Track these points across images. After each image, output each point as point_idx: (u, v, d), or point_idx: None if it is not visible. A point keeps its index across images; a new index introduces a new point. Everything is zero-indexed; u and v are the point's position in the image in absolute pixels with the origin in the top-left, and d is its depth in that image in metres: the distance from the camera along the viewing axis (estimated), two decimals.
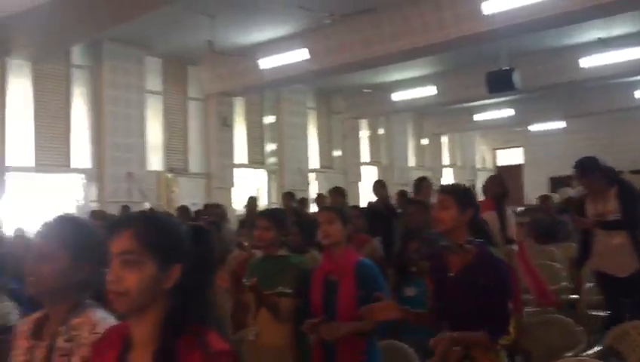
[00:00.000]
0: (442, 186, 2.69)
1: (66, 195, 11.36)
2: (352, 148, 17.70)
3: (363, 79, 15.08)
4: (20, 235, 6.57)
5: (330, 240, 2.95)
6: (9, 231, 8.21)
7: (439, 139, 21.62)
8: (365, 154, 18.57)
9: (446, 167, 21.96)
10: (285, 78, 12.76)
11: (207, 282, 1.45)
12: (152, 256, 1.35)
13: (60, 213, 1.85)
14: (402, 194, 8.54)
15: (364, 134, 18.67)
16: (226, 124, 13.83)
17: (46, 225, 1.78)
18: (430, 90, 15.20)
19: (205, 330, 1.36)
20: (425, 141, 21.20)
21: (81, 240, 1.74)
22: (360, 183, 17.10)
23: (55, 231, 1.74)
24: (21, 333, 1.77)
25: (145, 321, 1.37)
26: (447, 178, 20.96)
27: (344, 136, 17.67)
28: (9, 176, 10.26)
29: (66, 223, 1.79)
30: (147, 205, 11.47)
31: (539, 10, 8.87)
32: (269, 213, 3.35)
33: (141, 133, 12.16)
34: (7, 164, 10.20)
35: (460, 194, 2.58)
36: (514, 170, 21.76)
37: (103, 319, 1.69)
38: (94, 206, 11.10)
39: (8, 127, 10.25)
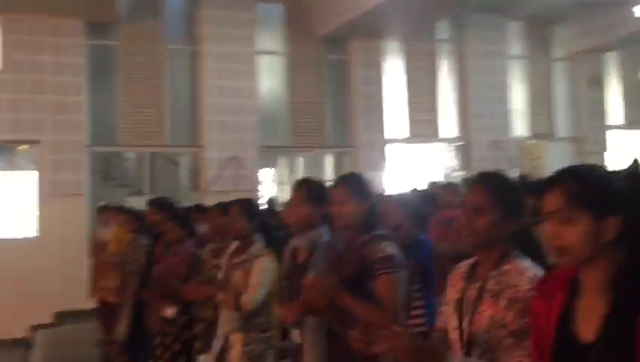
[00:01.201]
0: None
1: (435, 164, 12.11)
2: None
3: None
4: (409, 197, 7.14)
5: None
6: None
7: None
8: None
9: None
10: None
11: None
12: (583, 211, 1.35)
13: (487, 170, 1.99)
14: None
15: None
16: (597, 83, 12.71)
17: (475, 181, 1.93)
18: None
19: None
20: None
21: (511, 196, 1.86)
22: None
23: (487, 187, 1.87)
24: (458, 274, 1.99)
25: (595, 270, 1.38)
26: None
27: None
28: (387, 147, 11.42)
29: (495, 180, 1.91)
30: (515, 173, 11.40)
31: None
32: None
33: (504, 99, 12.10)
34: (386, 137, 11.36)
35: None
36: None
37: (530, 267, 1.79)
38: (461, 174, 11.55)
39: (386, 104, 11.39)
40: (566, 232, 1.36)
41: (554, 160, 12.19)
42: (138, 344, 5.15)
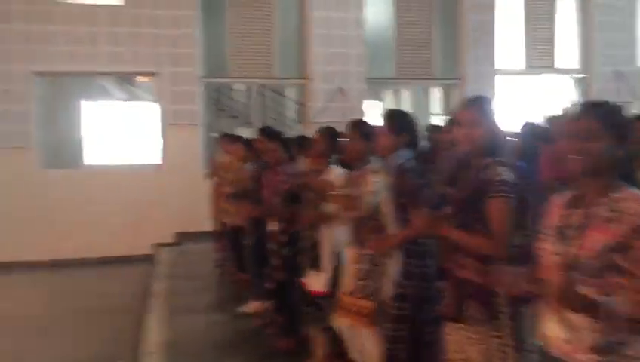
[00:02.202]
0: None
1: (552, 96, 11.46)
2: None
3: None
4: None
5: None
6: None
7: None
8: None
9: None
10: None
11: None
12: None
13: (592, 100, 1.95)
14: None
15: None
16: None
17: (585, 108, 1.91)
18: None
19: None
20: None
21: (621, 122, 1.87)
22: None
23: (598, 114, 1.85)
24: (559, 203, 1.98)
25: None
26: None
27: None
28: (499, 79, 10.93)
29: (605, 107, 1.90)
30: (637, 106, 10.60)
31: None
32: None
33: (631, 26, 11.15)
34: (496, 67, 10.86)
35: None
36: None
37: None
38: None
39: (497, 32, 10.82)
40: None
41: None
42: (256, 262, 5.45)
